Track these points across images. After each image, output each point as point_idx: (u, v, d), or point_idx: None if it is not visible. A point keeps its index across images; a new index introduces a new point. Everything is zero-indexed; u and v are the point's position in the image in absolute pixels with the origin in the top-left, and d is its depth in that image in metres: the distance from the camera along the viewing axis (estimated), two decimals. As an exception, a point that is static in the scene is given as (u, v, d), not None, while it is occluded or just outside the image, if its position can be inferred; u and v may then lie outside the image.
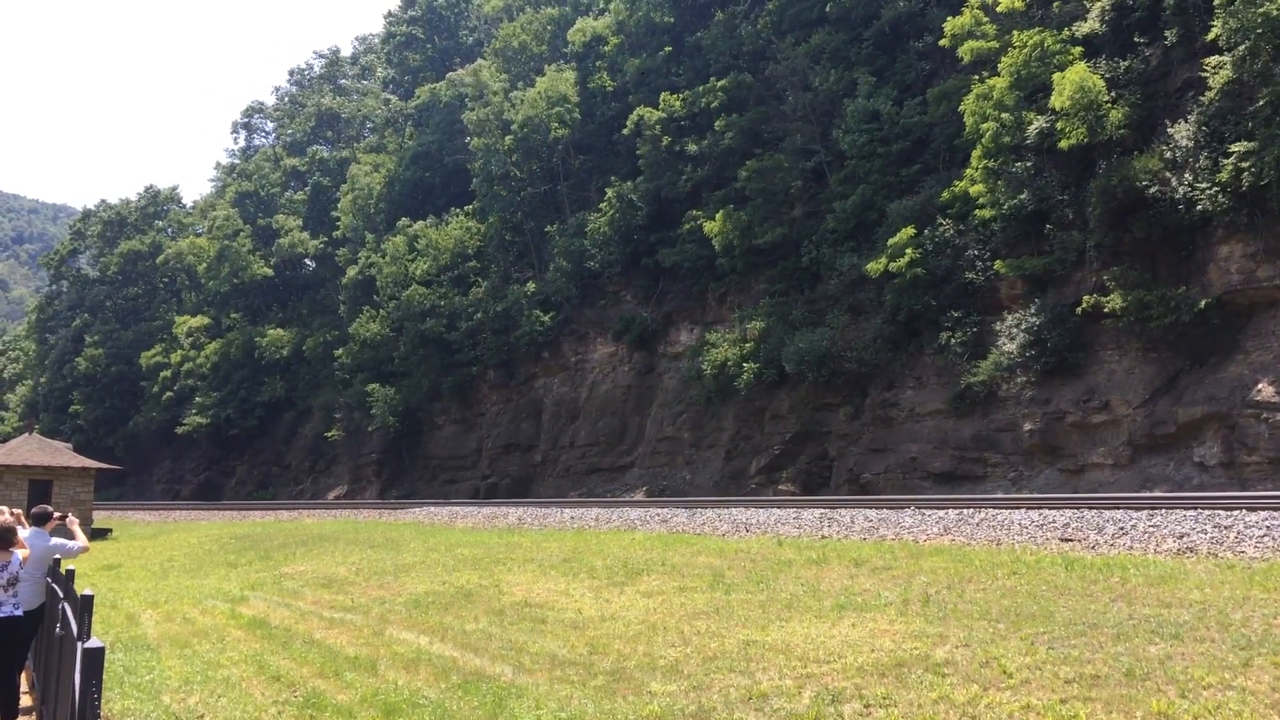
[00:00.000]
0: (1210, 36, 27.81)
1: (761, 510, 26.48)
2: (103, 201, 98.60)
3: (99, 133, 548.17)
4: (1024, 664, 9.86)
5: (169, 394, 76.37)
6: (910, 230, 34.44)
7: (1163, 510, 18.90)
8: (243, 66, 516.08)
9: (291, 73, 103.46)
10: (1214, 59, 27.99)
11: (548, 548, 23.10)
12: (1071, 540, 17.65)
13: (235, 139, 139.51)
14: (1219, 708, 8.25)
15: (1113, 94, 30.28)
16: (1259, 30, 26.03)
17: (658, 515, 27.84)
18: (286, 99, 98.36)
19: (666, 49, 51.87)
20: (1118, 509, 19.81)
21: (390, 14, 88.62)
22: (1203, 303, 27.26)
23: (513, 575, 19.37)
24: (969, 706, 8.82)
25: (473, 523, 32.42)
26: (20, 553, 9.36)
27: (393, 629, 14.91)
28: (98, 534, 38.86)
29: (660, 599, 15.48)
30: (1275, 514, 17.07)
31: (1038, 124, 31.26)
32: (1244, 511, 17.64)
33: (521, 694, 10.45)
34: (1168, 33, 30.69)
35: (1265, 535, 15.79)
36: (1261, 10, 25.75)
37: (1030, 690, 9.10)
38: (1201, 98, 28.76)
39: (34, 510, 10.66)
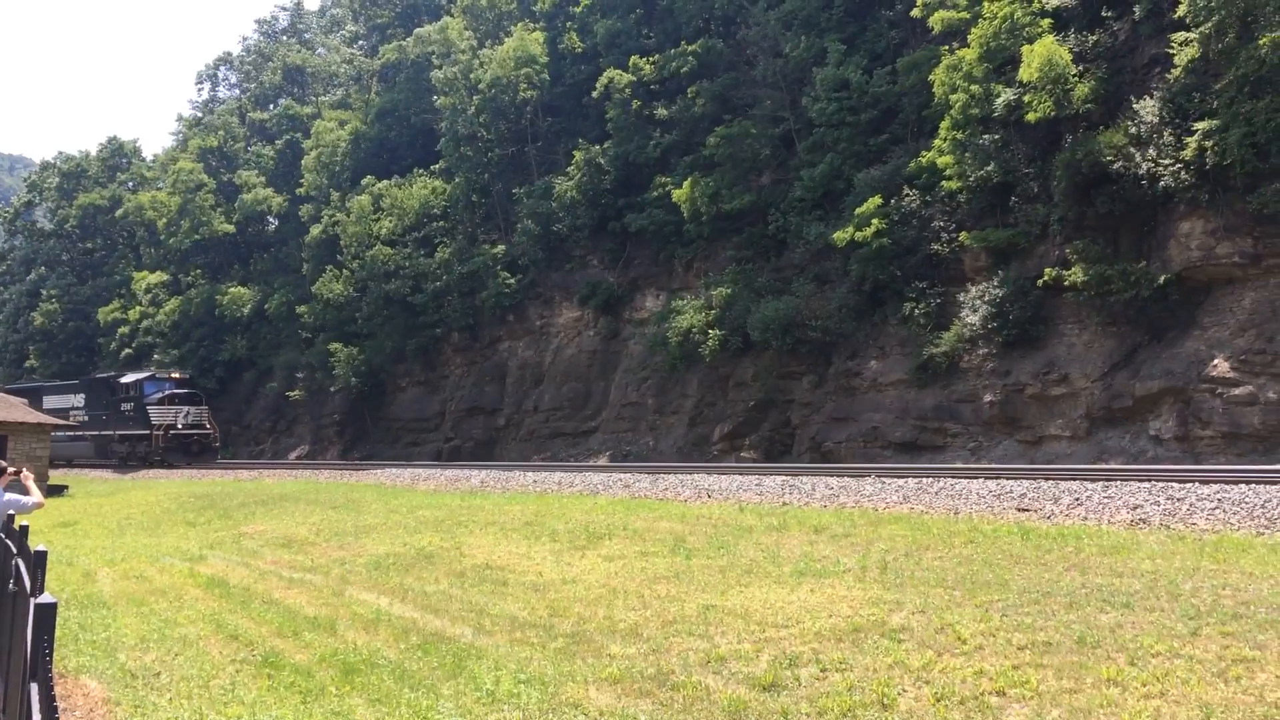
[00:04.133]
0: (1178, 13, 27.96)
1: (724, 476, 26.61)
2: (61, 153, 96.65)
3: (57, 82, 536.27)
4: (978, 630, 10.00)
5: (127, 351, 75.27)
6: (877, 200, 34.52)
7: (1117, 482, 19.20)
8: (208, 14, 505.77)
9: (258, 23, 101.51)
10: (1180, 35, 28.17)
11: (510, 511, 23.10)
12: (1028, 510, 17.90)
13: (199, 90, 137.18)
14: (1167, 675, 8.42)
15: (1080, 68, 30.41)
16: (1223, 11, 26.19)
17: (620, 480, 27.91)
18: (252, 51, 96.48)
19: (638, 11, 51.38)
20: (1074, 480, 20.11)
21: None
22: (1162, 278, 27.60)
23: (474, 538, 19.36)
24: (924, 671, 8.94)
25: (435, 485, 32.34)
26: None
27: (352, 590, 14.88)
28: (54, 490, 38.40)
29: (621, 563, 15.55)
30: (1226, 487, 17.40)
31: (1006, 96, 31.36)
32: (1196, 484, 17.97)
33: (481, 655, 10.47)
34: (1136, 7, 30.85)
35: (1216, 508, 16.09)
36: (1227, -12, 25.93)
37: (984, 656, 9.24)
38: (1167, 74, 28.97)
39: (-13, 465, 10.51)
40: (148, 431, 49.81)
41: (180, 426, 50.02)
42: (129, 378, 53.81)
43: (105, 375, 58.86)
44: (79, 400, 56.34)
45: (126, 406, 51.35)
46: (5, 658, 7.10)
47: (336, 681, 9.75)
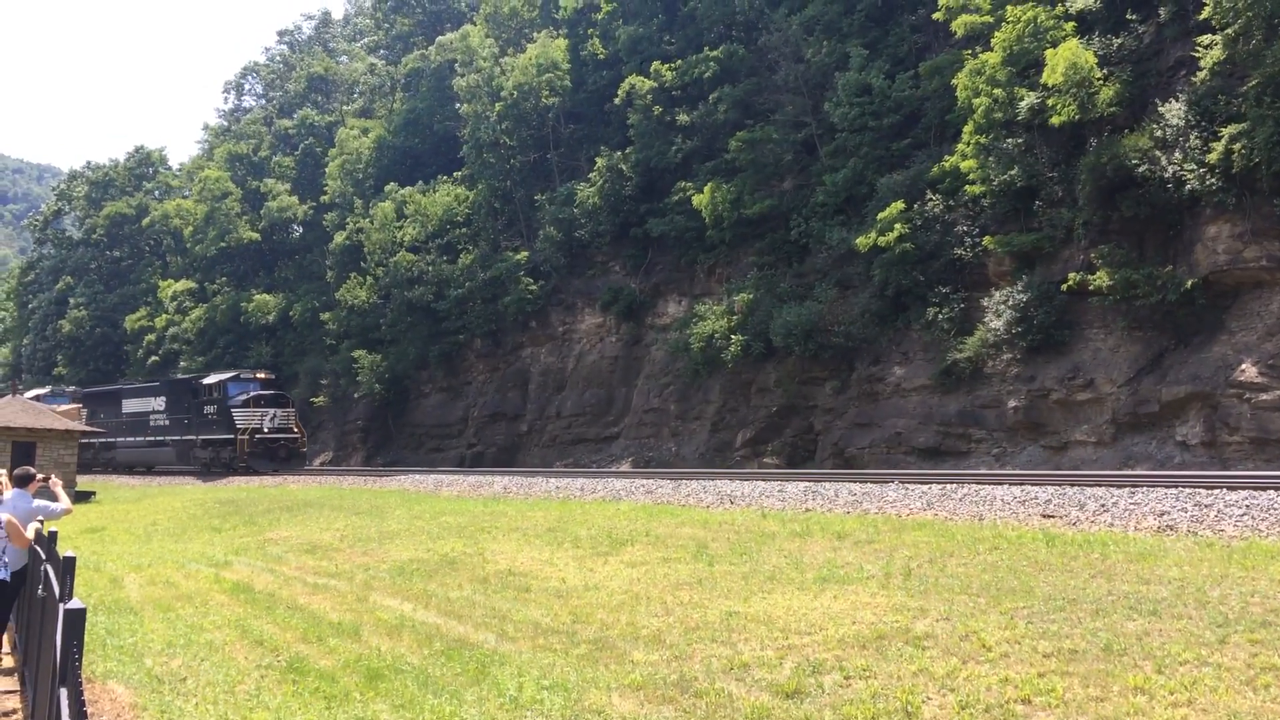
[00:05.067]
0: (1203, 15, 27.73)
1: (746, 483, 26.56)
2: (89, 162, 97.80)
3: (86, 92, 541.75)
4: (1003, 638, 9.94)
5: (154, 358, 76.06)
6: (900, 205, 34.38)
7: (1144, 488, 19.02)
8: (235, 24, 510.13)
9: (281, 34, 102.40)
10: (1206, 38, 27.93)
11: (532, 517, 23.15)
12: (1053, 517, 17.77)
13: (225, 99, 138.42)
14: (1195, 683, 8.34)
15: (1104, 71, 30.21)
16: (1250, 12, 25.97)
17: (643, 486, 27.91)
18: (277, 60, 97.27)
19: (659, 17, 51.47)
20: (1099, 486, 19.94)
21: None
22: (1189, 282, 27.33)
23: (497, 544, 19.41)
24: (948, 679, 8.89)
25: (458, 491, 32.44)
26: (3, 515, 9.31)
27: (376, 595, 14.94)
28: (81, 497, 38.77)
29: (644, 569, 15.54)
30: (1255, 493, 17.21)
31: (1029, 100, 31.18)
32: (1224, 490, 17.78)
33: (504, 661, 10.50)
34: (1161, 10, 30.63)
35: (1244, 514, 15.92)
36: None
37: (1009, 664, 9.19)
38: (1193, 77, 28.73)
39: (16, 471, 10.62)
40: (232, 435, 47.10)
41: (266, 430, 47.34)
42: (212, 378, 50.92)
43: (187, 376, 56.24)
44: (159, 403, 53.76)
45: (209, 409, 48.78)
46: (35, 662, 7.17)
47: (360, 687, 9.80)
